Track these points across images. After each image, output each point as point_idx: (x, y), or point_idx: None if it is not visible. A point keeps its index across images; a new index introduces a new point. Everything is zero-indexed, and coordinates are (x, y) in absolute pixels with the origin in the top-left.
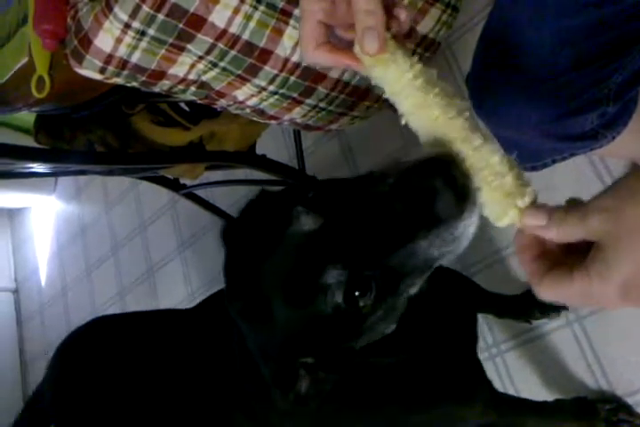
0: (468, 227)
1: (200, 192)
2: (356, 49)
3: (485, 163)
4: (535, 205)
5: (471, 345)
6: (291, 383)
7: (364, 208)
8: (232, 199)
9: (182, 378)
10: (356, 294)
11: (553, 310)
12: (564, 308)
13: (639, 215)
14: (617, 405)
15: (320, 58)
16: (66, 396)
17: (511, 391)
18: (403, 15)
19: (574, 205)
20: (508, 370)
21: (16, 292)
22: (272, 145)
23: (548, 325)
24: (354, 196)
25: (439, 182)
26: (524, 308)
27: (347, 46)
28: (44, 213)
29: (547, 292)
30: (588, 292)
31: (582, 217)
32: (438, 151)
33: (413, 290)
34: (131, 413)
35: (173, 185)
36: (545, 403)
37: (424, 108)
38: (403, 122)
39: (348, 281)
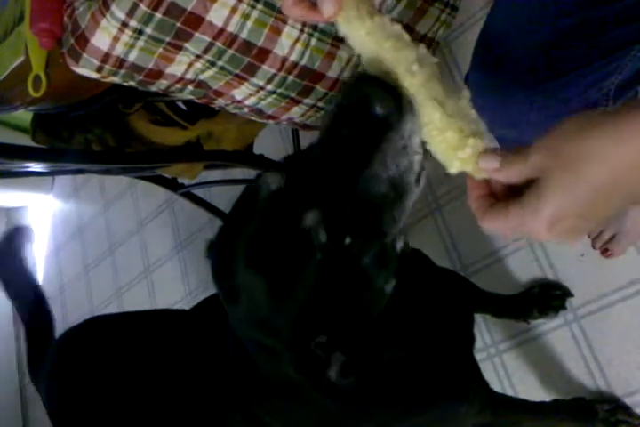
0: (413, 134)
1: (198, 191)
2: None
3: (428, 119)
4: (488, 150)
5: (468, 345)
6: (319, 370)
7: (318, 149)
8: (230, 199)
9: (178, 380)
10: (338, 230)
11: (552, 309)
12: (563, 308)
13: (573, 152)
14: (615, 405)
15: (297, 14)
16: (61, 395)
17: (509, 391)
18: None
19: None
20: (507, 370)
21: None
22: (270, 144)
23: (545, 325)
24: (310, 145)
25: (367, 90)
26: (522, 308)
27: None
28: (42, 212)
29: (488, 223)
30: (520, 223)
31: (526, 155)
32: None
33: (396, 238)
34: (126, 413)
35: (171, 184)
36: (543, 403)
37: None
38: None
39: (325, 219)
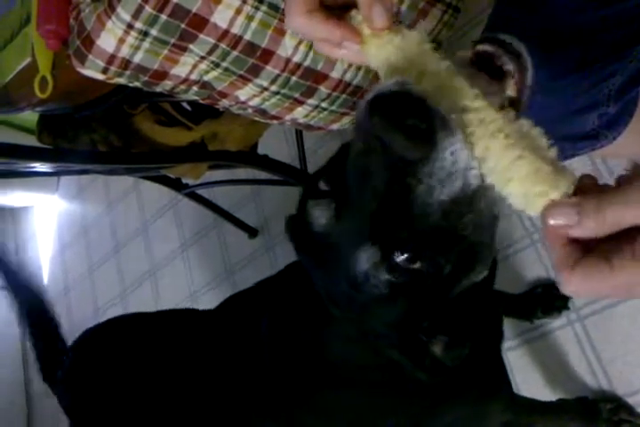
0: (455, 153)
1: (202, 191)
2: (357, 20)
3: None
4: (563, 199)
5: (498, 341)
6: (422, 350)
7: (354, 182)
8: (234, 199)
9: (201, 383)
10: (400, 258)
11: (555, 309)
12: (566, 308)
13: None
14: (618, 405)
15: (308, 26)
16: (80, 395)
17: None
18: None
19: (608, 189)
20: (510, 369)
21: None
22: (274, 145)
23: (549, 324)
24: (344, 169)
25: (383, 132)
26: (525, 307)
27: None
28: (47, 213)
29: (579, 284)
30: (632, 281)
31: (628, 194)
32: (380, 91)
33: (487, 226)
34: (145, 414)
35: (175, 184)
36: (552, 403)
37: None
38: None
39: (384, 255)
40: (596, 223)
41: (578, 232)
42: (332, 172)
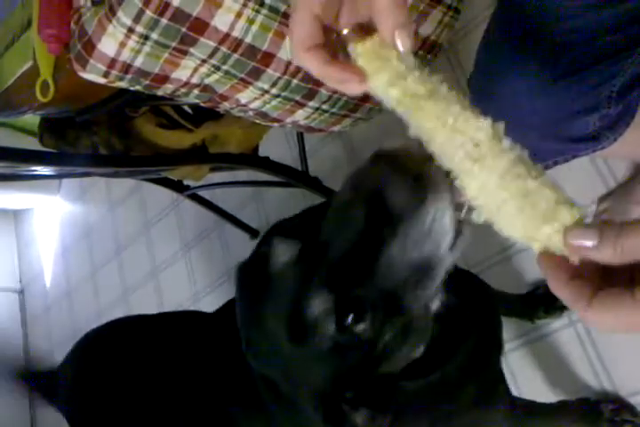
0: (440, 216)
1: (203, 193)
2: (359, 62)
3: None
4: (579, 222)
5: (497, 353)
6: (344, 420)
7: (331, 225)
8: (235, 200)
9: (194, 386)
10: (349, 319)
11: (557, 309)
12: (568, 308)
13: None
14: (620, 405)
15: (311, 64)
16: (79, 396)
17: (514, 391)
18: None
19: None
20: (512, 370)
21: (21, 293)
22: (275, 146)
23: (551, 324)
24: (322, 215)
25: (385, 176)
26: (527, 307)
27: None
28: (49, 214)
29: (600, 318)
30: None
31: None
32: (384, 147)
33: (429, 303)
34: (144, 417)
35: (177, 186)
36: (550, 404)
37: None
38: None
39: (337, 306)
40: (614, 249)
41: (596, 256)
42: (304, 218)
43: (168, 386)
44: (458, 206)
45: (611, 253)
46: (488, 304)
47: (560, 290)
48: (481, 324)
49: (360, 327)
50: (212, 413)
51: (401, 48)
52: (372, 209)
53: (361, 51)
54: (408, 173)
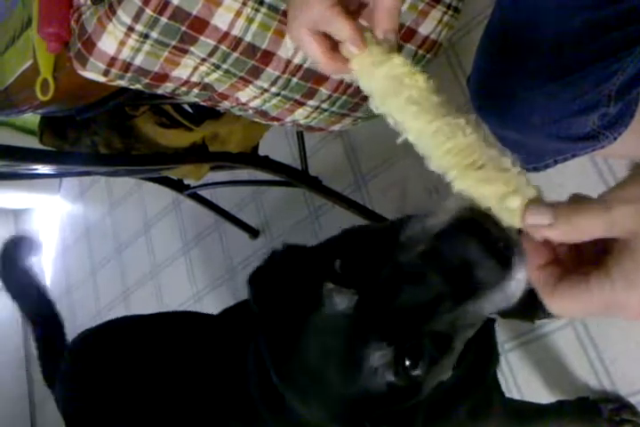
0: (516, 287)
1: (204, 192)
2: (346, 49)
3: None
4: (536, 201)
5: (493, 365)
6: None
7: (396, 280)
8: (235, 199)
9: (190, 387)
10: (407, 364)
11: None
12: None
13: None
14: (620, 405)
15: (314, 47)
16: (76, 398)
17: (514, 391)
18: None
19: (586, 200)
20: (512, 370)
21: None
22: (275, 146)
23: (550, 324)
24: (383, 265)
25: (474, 250)
26: (527, 307)
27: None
28: (49, 214)
29: (560, 304)
30: (609, 300)
31: (605, 209)
32: (467, 210)
33: (467, 338)
34: (139, 417)
35: (177, 186)
36: (550, 405)
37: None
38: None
39: (396, 358)
40: (568, 226)
41: (549, 233)
42: (348, 256)
43: (163, 391)
44: None
45: (565, 231)
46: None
47: (531, 275)
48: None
49: (415, 372)
50: (207, 421)
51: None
52: (455, 273)
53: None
54: (495, 248)
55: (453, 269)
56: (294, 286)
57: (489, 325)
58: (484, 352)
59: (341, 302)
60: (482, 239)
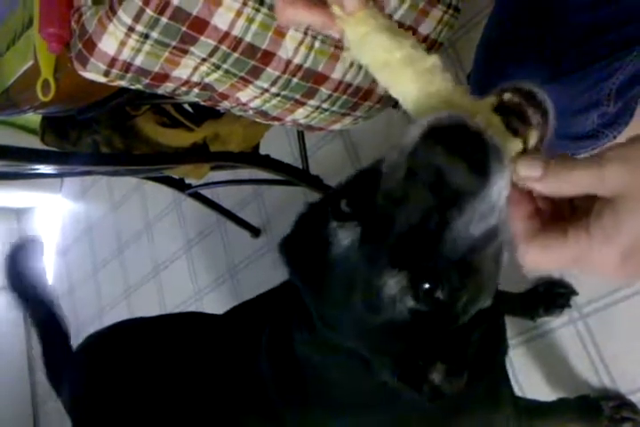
0: (502, 189)
1: (205, 191)
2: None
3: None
4: (531, 152)
5: (502, 353)
6: (420, 377)
7: (389, 205)
8: (237, 199)
9: (203, 389)
10: (426, 288)
11: (557, 307)
12: (568, 306)
13: None
14: (620, 402)
15: (294, 14)
16: (85, 400)
17: (515, 389)
18: None
19: (572, 158)
20: (513, 368)
21: None
22: (276, 145)
23: (551, 322)
24: (377, 196)
25: (443, 158)
26: (528, 306)
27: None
28: (51, 213)
29: (534, 255)
30: (583, 254)
31: (598, 165)
32: (433, 119)
33: (498, 256)
34: (146, 419)
35: (178, 185)
36: (550, 403)
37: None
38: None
39: (412, 282)
40: (556, 181)
41: (538, 186)
42: (353, 195)
43: (175, 395)
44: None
45: (551, 186)
46: (492, 305)
47: (515, 224)
48: (486, 325)
49: (437, 295)
50: (223, 421)
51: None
52: (434, 189)
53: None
54: (467, 149)
55: (433, 181)
56: (313, 236)
57: (498, 317)
58: (492, 340)
59: (346, 236)
60: (450, 145)
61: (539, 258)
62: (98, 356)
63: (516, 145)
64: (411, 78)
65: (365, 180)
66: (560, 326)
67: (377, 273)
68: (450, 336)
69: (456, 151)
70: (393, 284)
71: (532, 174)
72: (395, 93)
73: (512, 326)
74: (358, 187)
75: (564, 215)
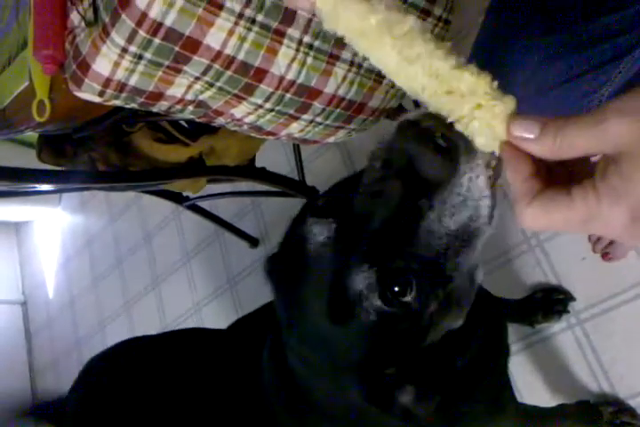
0: (473, 181)
1: (203, 203)
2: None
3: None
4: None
5: (504, 358)
6: (389, 399)
7: (364, 199)
8: (234, 210)
9: (207, 404)
10: (395, 290)
11: (555, 313)
12: (566, 312)
13: None
14: (619, 407)
15: None
16: (87, 420)
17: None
18: None
19: (568, 117)
20: (512, 373)
21: (24, 304)
22: (272, 157)
23: (550, 328)
24: (355, 191)
25: (413, 147)
26: (526, 312)
27: None
28: (50, 226)
29: (536, 216)
30: (590, 214)
31: (598, 121)
32: (405, 117)
33: (472, 272)
34: None
35: (176, 197)
36: (551, 409)
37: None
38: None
39: (379, 280)
40: (554, 141)
41: (535, 148)
42: (333, 195)
43: (181, 413)
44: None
45: (549, 147)
46: (494, 310)
47: (514, 183)
48: (487, 329)
49: (406, 298)
50: None
51: None
52: (406, 179)
53: None
54: (436, 140)
55: (406, 176)
56: (293, 236)
57: (500, 319)
58: (493, 342)
59: (321, 231)
60: (420, 139)
61: (541, 219)
62: (98, 380)
63: (509, 101)
64: (389, 44)
65: (346, 183)
66: (558, 331)
67: (346, 268)
68: (421, 356)
69: (424, 140)
70: (361, 279)
71: (527, 135)
72: (375, 61)
73: (510, 332)
74: (338, 188)
75: (561, 181)
